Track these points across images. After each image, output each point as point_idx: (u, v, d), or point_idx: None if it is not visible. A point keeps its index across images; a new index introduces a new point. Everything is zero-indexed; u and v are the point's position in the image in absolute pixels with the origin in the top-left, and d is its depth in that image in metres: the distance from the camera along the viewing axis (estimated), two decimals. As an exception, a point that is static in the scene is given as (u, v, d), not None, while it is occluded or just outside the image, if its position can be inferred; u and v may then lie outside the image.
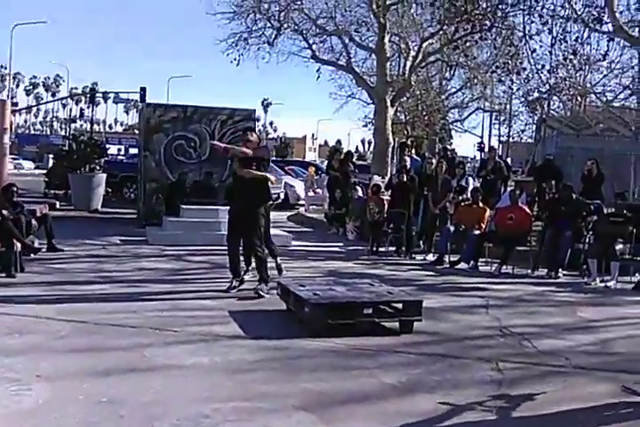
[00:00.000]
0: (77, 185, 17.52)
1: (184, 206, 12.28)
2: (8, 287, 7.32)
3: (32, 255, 8.81)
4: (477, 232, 10.42)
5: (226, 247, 7.65)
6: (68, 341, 5.34)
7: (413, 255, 11.22)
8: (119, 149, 40.26)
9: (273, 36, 20.88)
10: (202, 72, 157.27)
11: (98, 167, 18.22)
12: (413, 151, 15.41)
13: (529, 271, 9.93)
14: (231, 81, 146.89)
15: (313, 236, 13.74)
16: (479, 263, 10.19)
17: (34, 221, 9.89)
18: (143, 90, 38.35)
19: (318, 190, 18.89)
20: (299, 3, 20.59)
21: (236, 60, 20.56)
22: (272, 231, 12.40)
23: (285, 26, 20.76)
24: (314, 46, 21.36)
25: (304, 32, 21.10)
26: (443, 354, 5.37)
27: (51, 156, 21.22)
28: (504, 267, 9.97)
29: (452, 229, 10.79)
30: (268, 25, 20.83)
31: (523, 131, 36.59)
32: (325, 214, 15.12)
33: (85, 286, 7.64)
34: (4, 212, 8.47)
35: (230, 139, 13.41)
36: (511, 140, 42.95)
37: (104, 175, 17.80)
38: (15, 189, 9.81)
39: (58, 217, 15.01)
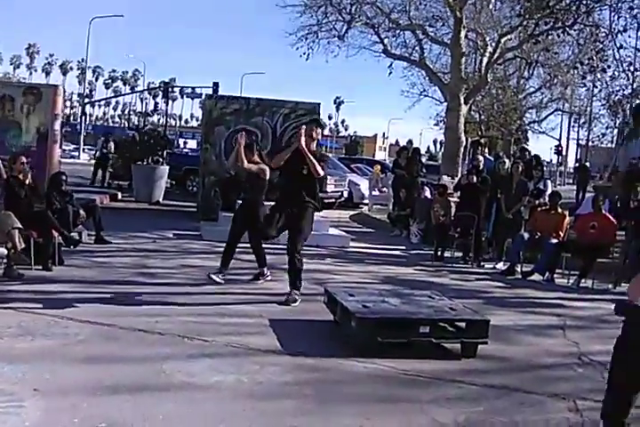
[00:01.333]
0: (139, 177, 17.26)
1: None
2: (40, 282, 6.85)
3: (72, 247, 8.37)
4: (555, 241, 9.44)
5: (281, 246, 6.99)
6: (82, 347, 4.77)
7: (482, 263, 10.30)
8: (185, 142, 40.40)
9: (343, 30, 20.24)
10: (275, 70, 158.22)
11: (161, 159, 17.96)
12: (486, 151, 14.44)
13: (610, 286, 8.92)
14: (304, 79, 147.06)
15: (374, 237, 12.95)
16: (555, 275, 9.22)
17: (82, 212, 9.50)
18: (216, 85, 38.41)
19: (384, 189, 18.07)
20: (372, -5, 19.85)
21: (305, 54, 20.07)
22: (330, 231, 11.88)
23: (357, 19, 20.06)
24: (385, 41, 20.60)
25: (376, 26, 20.35)
26: (510, 387, 4.53)
27: (111, 144, 21.06)
28: (583, 280, 8.98)
29: (526, 236, 9.83)
30: (339, 18, 20.20)
31: (603, 135, 34.89)
32: (389, 215, 14.31)
33: (122, 283, 7.12)
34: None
35: (293, 133, 12.79)
36: (590, 143, 41.15)
37: (166, 168, 17.51)
38: (64, 177, 9.46)
39: (117, 208, 14.86)
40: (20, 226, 6.99)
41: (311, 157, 6.60)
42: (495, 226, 10.95)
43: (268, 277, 7.55)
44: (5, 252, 6.79)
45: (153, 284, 7.18)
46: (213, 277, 7.20)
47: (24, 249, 7.27)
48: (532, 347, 5.68)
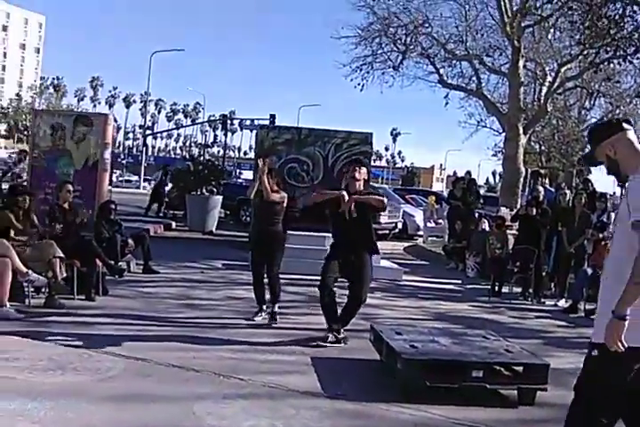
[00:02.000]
0: (193, 206, 17.32)
1: (290, 232, 11.53)
2: (81, 313, 6.70)
3: (117, 277, 8.25)
4: (590, 271, 8.88)
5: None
6: (112, 384, 4.54)
7: (542, 300, 9.75)
8: (240, 173, 40.71)
9: (398, 60, 20.08)
10: (332, 102, 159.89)
11: (215, 189, 18.00)
12: (547, 181, 13.90)
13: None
14: (361, 110, 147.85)
15: (428, 270, 12.51)
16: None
17: (130, 241, 9.43)
18: (273, 117, 38.90)
19: (440, 221, 17.61)
20: (427, 26, 19.70)
21: (359, 84, 19.96)
22: (381, 263, 11.50)
23: (412, 50, 19.89)
24: (441, 71, 20.34)
25: (431, 56, 20.13)
26: (573, 440, 4.07)
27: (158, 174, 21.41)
28: None
29: (589, 271, 9.25)
30: (394, 49, 20.07)
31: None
32: (444, 247, 13.86)
33: (164, 315, 6.92)
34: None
35: (344, 163, 12.58)
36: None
37: (220, 197, 17.53)
38: (113, 206, 9.42)
39: (170, 237, 14.88)
40: (62, 255, 6.90)
41: (365, 202, 6.16)
42: (556, 260, 10.40)
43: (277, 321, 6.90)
44: (46, 281, 6.69)
45: (195, 317, 6.96)
46: (256, 319, 6.87)
47: (68, 278, 7.18)
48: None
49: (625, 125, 3.10)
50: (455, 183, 14.53)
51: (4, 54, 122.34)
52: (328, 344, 5.99)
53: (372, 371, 5.29)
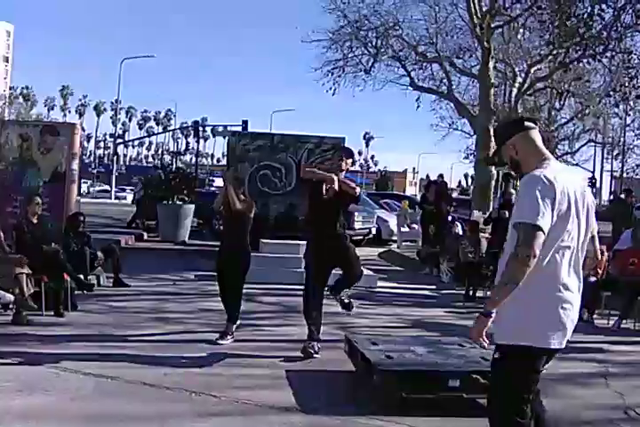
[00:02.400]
0: (165, 216, 17.05)
1: (263, 240, 11.44)
2: (49, 329, 6.53)
3: (85, 292, 8.08)
4: (593, 279, 8.85)
5: (299, 287, 6.44)
6: (81, 404, 4.41)
7: (516, 303, 9.76)
8: (212, 181, 40.23)
9: (370, 64, 20.13)
10: (305, 107, 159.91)
11: (187, 198, 17.77)
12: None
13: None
14: (333, 115, 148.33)
15: (403, 276, 12.47)
16: (594, 316, 8.65)
17: (100, 254, 9.26)
18: (245, 123, 38.65)
19: (414, 226, 17.59)
20: (397, 29, 19.76)
21: (331, 89, 19.99)
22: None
23: (383, 53, 19.95)
24: (412, 73, 20.45)
25: (402, 59, 20.22)
26: (551, 449, 4.04)
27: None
28: (624, 321, 8.40)
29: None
30: (365, 52, 20.13)
31: (638, 166, 34.17)
32: (418, 252, 13.85)
33: (135, 330, 6.77)
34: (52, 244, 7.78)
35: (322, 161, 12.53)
36: (625, 175, 40.37)
37: (192, 206, 17.26)
38: (82, 218, 9.26)
39: (141, 249, 14.64)
40: (29, 271, 6.73)
41: (347, 185, 6.15)
42: (529, 263, 10.42)
43: (230, 340, 6.47)
44: (13, 298, 6.52)
45: (167, 332, 6.81)
46: (221, 342, 6.34)
47: (36, 294, 7.01)
48: (570, 400, 5.14)
49: (527, 124, 3.03)
50: (427, 187, 14.53)
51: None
52: (314, 354, 5.86)
53: (348, 383, 5.21)
